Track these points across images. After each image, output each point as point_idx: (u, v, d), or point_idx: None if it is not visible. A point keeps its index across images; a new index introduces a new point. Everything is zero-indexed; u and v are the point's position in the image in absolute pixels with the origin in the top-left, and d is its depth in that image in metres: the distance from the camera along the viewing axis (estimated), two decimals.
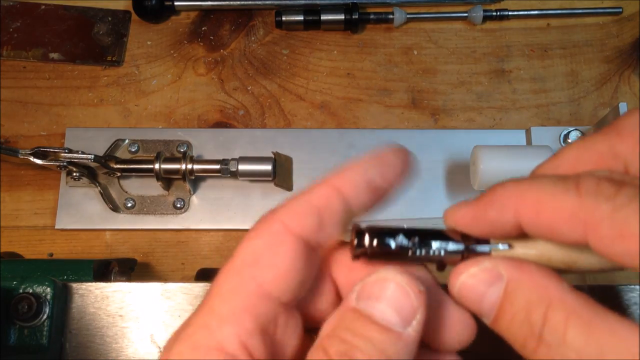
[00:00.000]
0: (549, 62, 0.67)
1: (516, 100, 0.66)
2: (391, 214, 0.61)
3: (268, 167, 0.58)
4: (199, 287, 0.48)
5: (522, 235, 0.25)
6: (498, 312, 0.24)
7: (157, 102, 0.66)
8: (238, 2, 0.69)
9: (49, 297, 0.46)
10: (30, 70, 0.67)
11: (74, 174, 0.60)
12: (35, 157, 0.56)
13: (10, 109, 0.66)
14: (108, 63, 0.68)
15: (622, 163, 0.25)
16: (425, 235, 0.27)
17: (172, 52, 0.68)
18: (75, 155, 0.56)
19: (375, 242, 0.26)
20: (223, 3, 0.69)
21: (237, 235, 0.61)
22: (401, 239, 0.27)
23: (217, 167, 0.58)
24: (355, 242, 0.26)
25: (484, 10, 0.68)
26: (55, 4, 0.70)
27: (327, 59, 0.68)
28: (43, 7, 0.70)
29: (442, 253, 0.26)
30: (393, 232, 0.27)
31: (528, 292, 0.23)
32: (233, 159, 0.58)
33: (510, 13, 0.69)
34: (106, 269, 0.53)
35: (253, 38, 0.69)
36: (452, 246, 0.26)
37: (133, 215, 0.61)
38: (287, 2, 0.69)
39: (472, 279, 0.25)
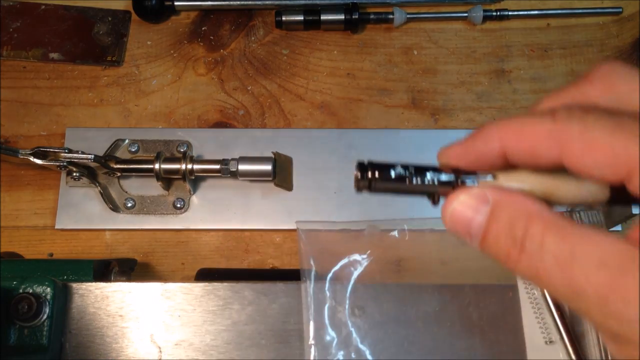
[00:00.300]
0: (549, 62, 0.68)
1: (516, 100, 0.66)
2: (392, 213, 0.61)
3: (268, 167, 0.58)
4: (199, 287, 0.48)
5: (506, 168, 0.29)
6: (484, 231, 0.28)
7: (157, 102, 0.66)
8: (238, 2, 0.69)
9: (49, 297, 0.46)
10: (30, 70, 0.67)
11: (74, 174, 0.60)
12: (35, 157, 0.56)
13: (10, 109, 0.66)
14: (108, 63, 0.68)
15: (592, 104, 0.29)
16: (420, 168, 0.31)
17: (172, 52, 0.68)
18: (75, 155, 0.56)
19: (377, 173, 0.30)
20: (223, 3, 0.69)
21: (237, 235, 0.61)
22: (399, 170, 0.31)
23: (217, 167, 0.58)
24: (359, 175, 0.30)
25: (484, 10, 0.68)
26: (55, 4, 0.70)
27: (327, 59, 0.68)
28: (43, 7, 0.70)
29: (436, 182, 0.30)
30: (392, 165, 0.31)
31: (511, 210, 0.27)
32: (233, 159, 0.58)
33: (510, 13, 0.69)
34: (106, 269, 0.53)
35: (253, 38, 0.69)
36: (444, 177, 0.30)
37: (133, 215, 0.61)
38: (287, 2, 0.69)
39: (461, 205, 0.28)
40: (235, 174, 0.58)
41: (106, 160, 0.58)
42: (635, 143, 0.25)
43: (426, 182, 0.30)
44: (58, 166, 0.57)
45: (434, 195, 0.31)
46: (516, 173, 0.29)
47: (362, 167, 0.31)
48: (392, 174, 0.31)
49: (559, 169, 0.27)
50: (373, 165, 0.31)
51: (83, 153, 0.56)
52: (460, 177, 0.30)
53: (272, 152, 0.60)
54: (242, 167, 0.58)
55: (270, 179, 0.59)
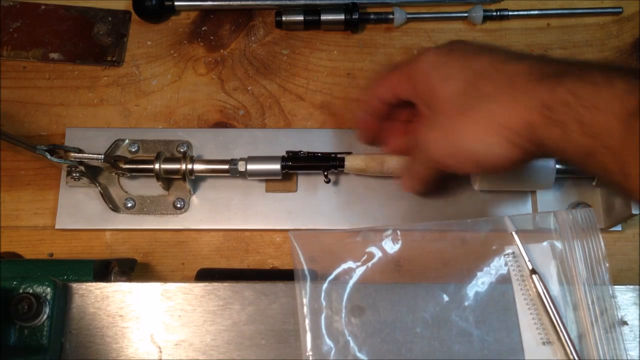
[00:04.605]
0: None
1: None
2: (391, 212, 0.61)
3: (277, 167, 0.58)
4: (199, 287, 0.48)
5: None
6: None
7: (157, 102, 0.66)
8: (238, 2, 0.69)
9: (49, 297, 0.46)
10: (30, 70, 0.67)
11: (74, 174, 0.60)
12: (50, 154, 0.56)
13: (10, 109, 0.66)
14: (108, 63, 0.68)
15: (407, 90, 0.52)
16: (316, 158, 0.59)
17: (172, 52, 0.68)
18: (85, 155, 0.57)
19: (290, 162, 0.58)
20: (223, 3, 0.69)
21: (237, 235, 0.61)
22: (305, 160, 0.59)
23: (226, 167, 0.58)
24: (282, 163, 0.58)
25: (484, 10, 0.68)
26: (55, 4, 0.70)
27: (327, 59, 0.68)
28: (43, 7, 0.70)
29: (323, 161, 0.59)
30: (302, 157, 0.59)
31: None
32: (242, 159, 0.58)
33: (510, 13, 0.69)
34: (106, 269, 0.53)
35: (253, 38, 0.69)
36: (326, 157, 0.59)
37: (133, 215, 0.61)
38: (287, 2, 0.69)
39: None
40: (244, 174, 0.58)
41: (115, 160, 0.58)
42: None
43: (319, 165, 0.58)
44: (68, 166, 0.58)
45: (326, 173, 0.58)
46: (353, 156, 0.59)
47: (283, 158, 0.58)
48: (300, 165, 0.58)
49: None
50: (289, 157, 0.58)
51: (93, 154, 0.57)
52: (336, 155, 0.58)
53: (287, 152, 0.59)
54: (251, 166, 0.58)
55: (280, 178, 0.59)
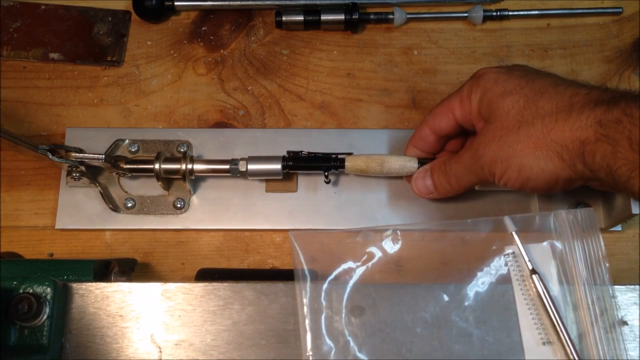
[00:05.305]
0: (549, 62, 0.67)
1: None
2: (390, 212, 0.61)
3: (277, 166, 0.58)
4: (199, 287, 0.49)
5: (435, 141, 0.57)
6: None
7: (157, 102, 0.66)
8: (238, 2, 0.69)
9: (49, 297, 0.46)
10: (30, 70, 0.68)
11: (74, 174, 0.60)
12: (52, 153, 0.56)
13: (10, 109, 0.66)
14: (108, 63, 0.68)
15: (466, 109, 0.53)
16: (317, 158, 0.58)
17: (172, 52, 0.68)
18: (86, 155, 0.57)
19: (291, 162, 0.58)
20: (223, 3, 0.69)
21: (237, 235, 0.61)
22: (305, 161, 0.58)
23: (227, 167, 0.58)
24: (283, 163, 0.58)
25: (484, 10, 0.68)
26: (55, 4, 0.70)
27: (327, 59, 0.68)
28: (43, 7, 0.70)
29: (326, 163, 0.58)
30: (303, 157, 0.58)
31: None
32: (242, 159, 0.58)
33: (510, 13, 0.69)
34: (106, 269, 0.53)
35: (253, 38, 0.69)
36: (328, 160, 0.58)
37: (133, 215, 0.61)
38: (287, 2, 0.69)
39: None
40: (245, 174, 0.58)
41: (116, 160, 0.58)
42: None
43: (320, 169, 0.58)
44: (69, 166, 0.58)
45: (327, 174, 0.58)
46: (355, 156, 0.58)
47: (284, 158, 0.57)
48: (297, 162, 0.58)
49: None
50: (289, 157, 0.58)
51: (93, 154, 0.57)
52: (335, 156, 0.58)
53: (287, 152, 0.59)
54: (252, 166, 0.58)
55: (280, 177, 0.59)
